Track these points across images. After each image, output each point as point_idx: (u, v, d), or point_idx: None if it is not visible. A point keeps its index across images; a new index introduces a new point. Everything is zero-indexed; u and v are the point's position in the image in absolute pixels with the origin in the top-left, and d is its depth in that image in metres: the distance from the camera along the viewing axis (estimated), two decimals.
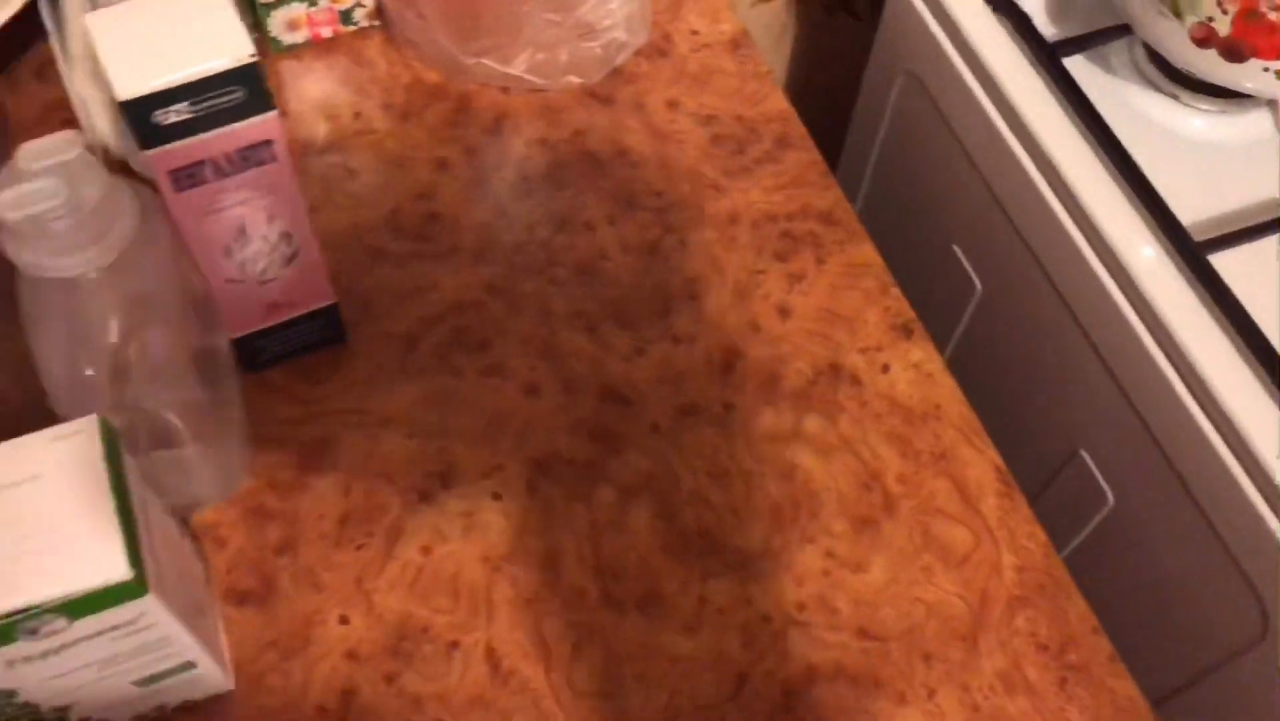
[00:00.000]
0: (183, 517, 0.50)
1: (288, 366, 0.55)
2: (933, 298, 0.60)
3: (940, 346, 0.60)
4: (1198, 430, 0.59)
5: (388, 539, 0.51)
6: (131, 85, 0.39)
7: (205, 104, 0.40)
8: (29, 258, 0.39)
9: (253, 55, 0.40)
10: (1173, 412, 0.61)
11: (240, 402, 0.52)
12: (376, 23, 0.66)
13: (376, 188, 0.61)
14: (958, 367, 0.60)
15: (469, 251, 0.59)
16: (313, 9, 0.63)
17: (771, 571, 0.52)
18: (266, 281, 0.49)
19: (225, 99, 0.40)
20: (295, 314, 0.52)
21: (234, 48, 0.40)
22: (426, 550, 0.51)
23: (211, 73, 0.40)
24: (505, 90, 0.65)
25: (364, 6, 0.64)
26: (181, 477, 0.49)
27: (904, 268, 0.62)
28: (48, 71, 0.63)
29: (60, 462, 0.38)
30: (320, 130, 0.63)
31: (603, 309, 0.58)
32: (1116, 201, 0.64)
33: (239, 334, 0.52)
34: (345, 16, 0.64)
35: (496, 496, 0.53)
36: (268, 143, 0.43)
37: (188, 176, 0.42)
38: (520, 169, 0.62)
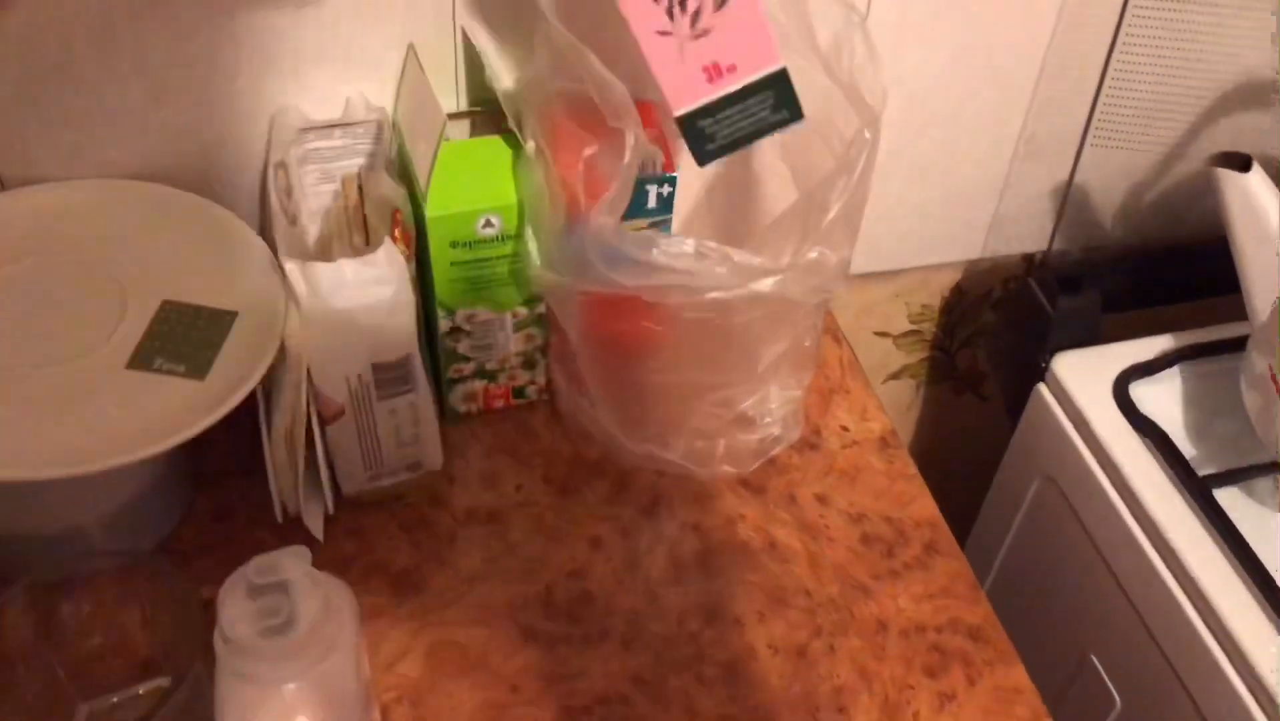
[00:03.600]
0: None
1: None
2: (1064, 707, 0.59)
3: None
4: None
5: None
6: None
7: None
8: (238, 665, 0.40)
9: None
10: None
11: None
12: (545, 396, 0.70)
13: (533, 561, 0.62)
14: None
15: (618, 637, 0.60)
16: (491, 384, 0.67)
17: None
18: (700, 34, 0.47)
19: None
20: (739, 81, 0.49)
21: None
22: None
23: None
24: (660, 473, 0.67)
25: (535, 384, 0.68)
26: None
27: (1033, 670, 0.61)
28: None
29: None
30: (484, 500, 0.65)
31: (748, 714, 0.57)
32: (1264, 629, 0.63)
33: (682, 109, 0.48)
34: (518, 391, 0.68)
35: None
36: None
37: None
38: (672, 553, 0.64)
